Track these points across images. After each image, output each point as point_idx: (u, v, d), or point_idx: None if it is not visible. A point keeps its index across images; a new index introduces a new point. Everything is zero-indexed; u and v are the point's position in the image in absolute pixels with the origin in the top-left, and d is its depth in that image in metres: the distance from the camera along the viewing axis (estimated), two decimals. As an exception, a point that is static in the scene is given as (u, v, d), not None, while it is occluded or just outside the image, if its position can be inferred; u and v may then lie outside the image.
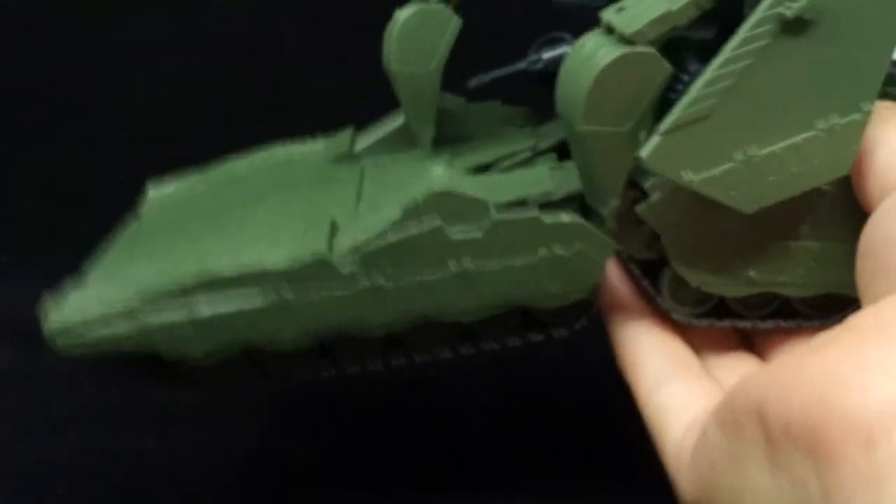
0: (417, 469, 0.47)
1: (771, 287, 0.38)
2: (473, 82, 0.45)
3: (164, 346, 0.37)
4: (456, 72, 0.43)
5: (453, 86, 0.44)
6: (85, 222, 0.65)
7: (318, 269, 0.37)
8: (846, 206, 0.36)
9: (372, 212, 0.39)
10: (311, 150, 0.46)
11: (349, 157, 0.45)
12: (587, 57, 0.35)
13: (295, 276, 0.36)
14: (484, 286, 0.37)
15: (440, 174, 0.40)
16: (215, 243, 0.39)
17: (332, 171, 0.44)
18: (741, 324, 0.39)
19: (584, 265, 0.37)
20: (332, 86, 0.63)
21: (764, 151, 0.34)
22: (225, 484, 0.47)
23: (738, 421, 0.30)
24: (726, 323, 0.39)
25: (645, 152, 0.34)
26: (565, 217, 0.37)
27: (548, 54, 0.43)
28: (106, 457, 0.48)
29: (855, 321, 0.29)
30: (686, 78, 0.35)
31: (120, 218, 0.45)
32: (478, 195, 0.37)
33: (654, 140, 0.34)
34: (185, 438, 0.50)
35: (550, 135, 0.43)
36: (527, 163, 0.42)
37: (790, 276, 0.38)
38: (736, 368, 0.40)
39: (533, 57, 0.43)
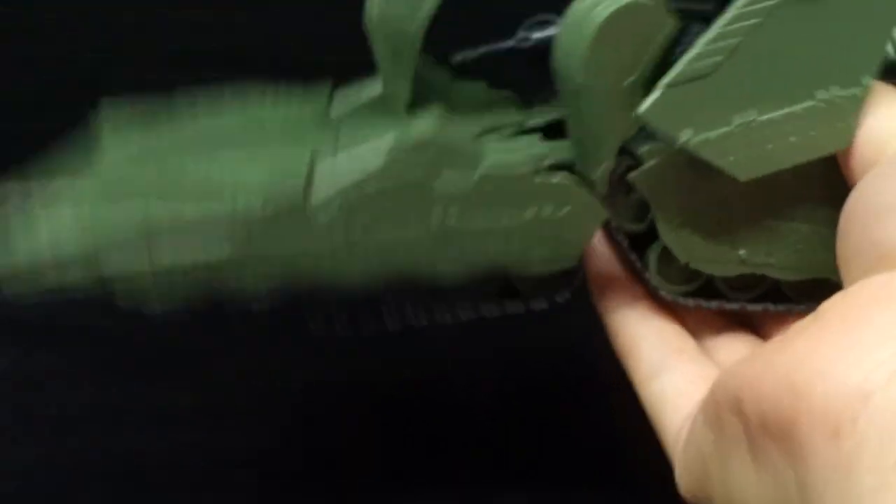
0: (418, 469, 0.48)
1: (760, 268, 0.38)
2: (459, 57, 0.43)
3: (121, 293, 0.35)
4: (442, 48, 0.41)
5: (440, 60, 0.41)
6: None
7: (291, 218, 0.34)
8: (837, 188, 0.35)
9: (351, 157, 0.35)
10: (285, 104, 0.42)
11: (324, 119, 0.41)
12: (590, 7, 0.34)
13: (266, 223, 0.34)
14: (466, 245, 0.35)
15: (426, 121, 0.36)
16: (180, 160, 0.36)
17: (306, 128, 0.40)
18: (728, 305, 0.39)
19: (573, 230, 0.36)
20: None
21: (763, 118, 0.34)
22: (225, 484, 0.47)
23: (720, 415, 0.30)
24: (714, 304, 0.39)
25: (644, 106, 0.33)
26: (557, 177, 0.35)
27: (537, 34, 0.42)
28: (106, 457, 0.48)
29: (823, 308, 0.29)
30: (689, 38, 0.34)
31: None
32: (468, 146, 0.35)
33: (655, 94, 0.33)
34: (185, 438, 0.50)
35: (537, 116, 0.41)
36: (512, 137, 0.40)
37: (779, 258, 0.38)
38: (736, 349, 0.39)
39: (522, 35, 0.42)
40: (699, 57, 0.33)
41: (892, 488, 0.23)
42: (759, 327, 0.41)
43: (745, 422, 0.28)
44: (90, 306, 0.61)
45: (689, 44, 0.33)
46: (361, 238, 0.34)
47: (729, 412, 0.29)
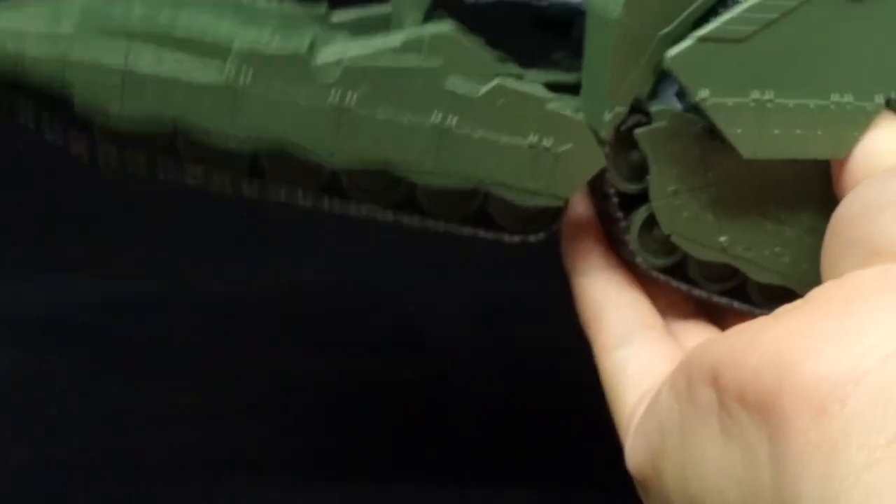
0: (418, 468, 0.48)
1: (735, 261, 0.38)
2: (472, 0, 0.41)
3: (80, 88, 0.32)
4: None
5: (447, 4, 0.40)
6: (86, 223, 0.65)
7: (290, 66, 0.32)
8: (828, 203, 0.35)
9: (356, 42, 0.34)
10: (277, 4, 0.40)
11: (323, 20, 0.39)
12: None
13: (262, 61, 0.32)
14: (458, 152, 0.34)
15: (446, 23, 0.35)
16: (167, 9, 0.33)
17: (302, 19, 0.38)
18: (697, 291, 0.39)
19: (569, 169, 0.35)
20: None
21: (778, 101, 0.34)
22: (225, 484, 0.47)
23: (692, 385, 0.29)
24: (683, 286, 0.38)
25: (673, 52, 0.33)
26: (569, 110, 0.35)
27: None
28: (106, 457, 0.48)
29: (816, 293, 0.29)
30: (730, 4, 0.34)
31: (122, 220, 0.45)
32: (485, 56, 0.34)
33: (687, 42, 0.33)
34: (185, 438, 0.50)
35: (537, 75, 0.39)
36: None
37: (756, 255, 0.38)
38: (700, 335, 0.39)
39: None
40: (736, 20, 0.33)
41: (882, 464, 0.23)
42: (721, 322, 0.40)
43: (719, 392, 0.28)
44: (90, 306, 0.61)
45: (733, 5, 0.33)
46: (356, 109, 0.33)
47: (702, 383, 0.29)
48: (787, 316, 0.28)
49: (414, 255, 0.62)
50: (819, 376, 0.25)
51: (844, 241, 0.31)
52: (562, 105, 0.35)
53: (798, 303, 0.28)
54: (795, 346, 0.26)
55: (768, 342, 0.27)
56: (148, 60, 0.32)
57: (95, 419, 0.51)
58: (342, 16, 0.40)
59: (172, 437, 0.50)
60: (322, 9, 0.40)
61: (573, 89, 0.38)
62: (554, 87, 0.38)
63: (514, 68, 0.40)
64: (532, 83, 0.36)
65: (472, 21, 0.41)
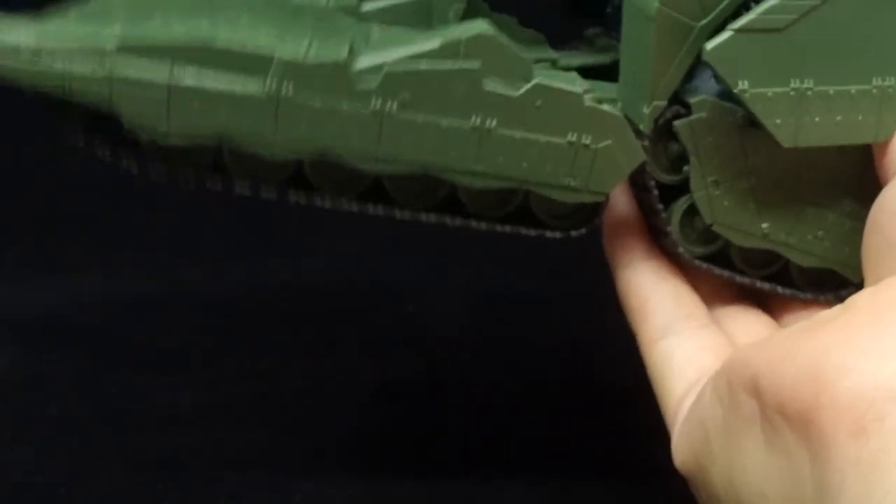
0: (419, 467, 0.47)
1: (777, 246, 0.38)
2: None
3: (126, 106, 0.32)
4: None
5: None
6: (87, 223, 0.65)
7: (331, 74, 0.33)
8: (869, 185, 0.36)
9: (394, 45, 0.34)
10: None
11: (355, 12, 0.39)
12: None
13: (304, 72, 0.32)
14: (499, 152, 0.34)
15: (483, 22, 0.35)
16: (209, 22, 0.33)
17: (335, 15, 0.38)
18: (740, 278, 0.39)
19: (608, 165, 0.35)
20: None
21: (818, 88, 0.34)
22: (225, 484, 0.47)
23: (734, 392, 0.29)
24: (726, 273, 0.39)
25: (711, 45, 0.33)
26: (606, 106, 0.35)
27: None
28: (106, 457, 0.48)
29: (853, 302, 0.28)
30: None
31: (122, 220, 0.44)
32: (523, 55, 0.34)
33: (725, 34, 0.33)
34: (184, 438, 0.50)
35: (571, 57, 0.40)
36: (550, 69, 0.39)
37: (798, 240, 0.38)
38: (746, 322, 0.39)
39: None
40: (774, 10, 0.33)
41: None
42: (767, 305, 0.40)
43: (761, 404, 0.28)
44: (90, 306, 0.61)
45: None
46: (397, 114, 0.33)
47: (744, 392, 0.29)
48: (824, 328, 0.28)
49: (414, 255, 0.62)
50: (856, 394, 0.25)
51: (880, 243, 0.31)
52: (599, 100, 0.35)
53: (835, 311, 0.28)
54: (831, 361, 0.26)
55: (805, 356, 0.27)
56: (192, 75, 0.32)
57: (95, 419, 0.51)
58: (374, 4, 0.39)
59: (172, 437, 0.50)
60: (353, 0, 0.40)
61: (608, 70, 0.38)
62: (589, 70, 0.38)
63: (547, 51, 0.40)
64: (569, 77, 0.36)
65: (504, 2, 0.41)
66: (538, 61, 0.38)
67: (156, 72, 0.32)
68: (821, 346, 0.27)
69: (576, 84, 0.35)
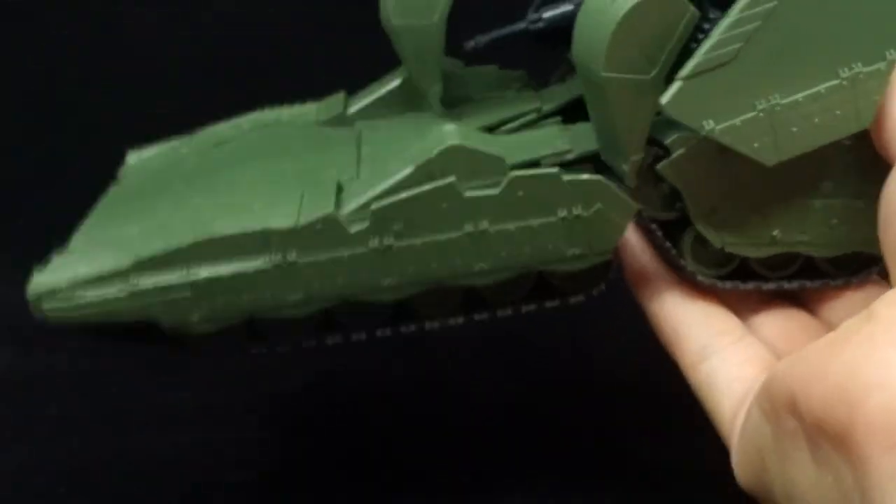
0: (419, 466, 0.47)
1: (794, 247, 0.38)
2: (471, 44, 0.42)
3: (158, 312, 0.35)
4: (452, 35, 0.41)
5: (448, 49, 0.42)
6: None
7: (325, 229, 0.35)
8: (867, 161, 0.35)
9: (376, 173, 0.37)
10: (301, 112, 0.44)
11: (343, 119, 0.42)
12: (609, 0, 0.34)
13: (301, 235, 0.35)
14: (499, 247, 0.36)
15: (450, 130, 0.37)
16: (207, 202, 0.37)
17: (326, 135, 0.42)
18: (766, 286, 0.39)
19: (605, 226, 0.36)
20: (322, 52, 0.63)
21: (787, 100, 0.34)
22: (225, 484, 0.47)
23: (776, 410, 0.30)
24: (751, 285, 0.39)
25: (665, 98, 0.33)
26: (585, 175, 0.36)
27: (549, 13, 0.41)
28: (106, 457, 0.48)
29: (878, 309, 0.28)
30: (707, 26, 0.34)
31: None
32: (493, 152, 0.35)
33: (675, 85, 0.33)
34: (185, 438, 0.50)
35: (554, 97, 0.41)
36: (533, 125, 0.40)
37: (813, 235, 0.38)
38: (781, 324, 0.39)
39: (533, 16, 0.41)
40: (718, 45, 0.33)
41: None
42: (802, 299, 0.40)
43: (801, 421, 0.28)
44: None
45: (710, 29, 0.33)
46: (395, 243, 0.35)
47: (784, 408, 0.29)
48: (850, 341, 0.28)
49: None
50: (886, 410, 0.26)
51: None
52: (578, 171, 0.36)
53: (860, 320, 0.28)
54: (860, 378, 0.26)
55: (834, 373, 0.27)
56: (205, 270, 0.35)
57: (95, 419, 0.51)
58: (360, 103, 0.42)
59: (172, 437, 0.50)
60: (341, 101, 0.43)
61: None
62: (576, 104, 0.39)
63: (531, 97, 0.41)
64: (549, 139, 0.37)
65: (477, 57, 0.42)
66: (522, 115, 0.40)
67: (173, 275, 0.35)
68: (849, 363, 0.27)
69: (557, 151, 0.36)
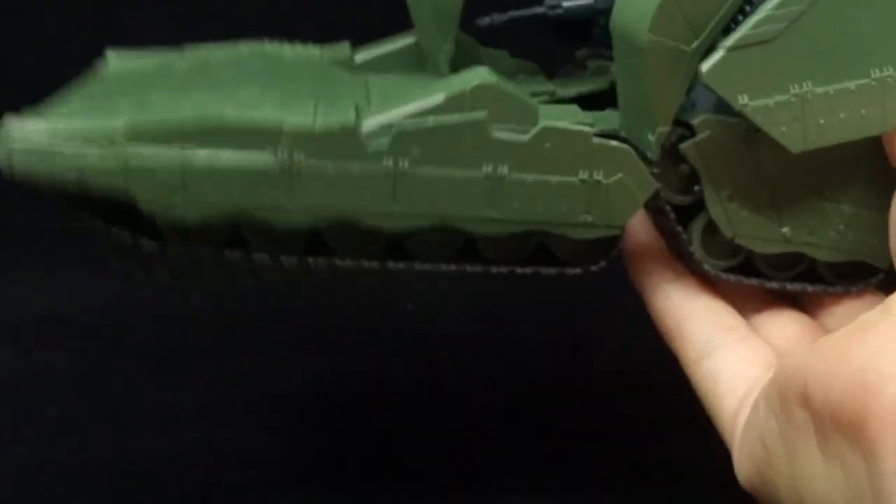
0: (419, 466, 0.47)
1: (802, 247, 0.38)
2: (487, 20, 0.42)
3: (142, 192, 0.32)
4: (466, 12, 0.40)
5: (462, 25, 0.41)
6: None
7: (341, 138, 0.33)
8: (881, 171, 0.36)
9: (395, 105, 0.35)
10: (304, 50, 0.41)
11: (349, 64, 0.41)
12: None
13: (314, 139, 0.33)
14: (512, 197, 0.35)
15: (484, 70, 0.35)
16: (210, 97, 0.35)
17: (332, 71, 0.40)
18: (769, 284, 0.39)
19: (622, 197, 0.36)
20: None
21: (818, 90, 0.34)
22: (225, 484, 0.47)
23: (786, 403, 0.30)
24: (754, 281, 0.39)
25: (706, 66, 0.33)
26: (614, 142, 0.35)
27: (568, 3, 0.41)
28: (106, 457, 0.48)
29: (893, 304, 0.29)
30: (749, 8, 0.34)
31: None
32: (527, 99, 0.35)
33: (717, 54, 0.33)
34: (185, 438, 0.50)
35: (567, 87, 0.41)
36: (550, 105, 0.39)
37: (821, 238, 0.38)
38: (783, 325, 0.39)
39: (552, 2, 0.41)
40: (763, 22, 0.33)
41: None
42: (801, 302, 0.40)
43: (812, 414, 0.28)
44: (91, 306, 0.61)
45: (755, 8, 0.34)
46: (409, 170, 0.34)
47: (795, 403, 0.29)
48: (867, 333, 0.28)
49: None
50: None
51: None
52: (605, 133, 0.35)
53: (876, 314, 0.29)
54: (876, 369, 0.26)
55: (851, 364, 0.27)
56: (203, 155, 0.32)
57: (95, 419, 0.51)
58: (366, 54, 0.41)
59: (172, 437, 0.50)
60: (346, 50, 0.41)
61: (605, 94, 0.39)
62: (587, 97, 0.39)
63: (544, 82, 0.41)
64: (572, 112, 0.36)
65: (492, 38, 0.41)
66: (536, 95, 0.39)
67: (168, 155, 0.32)
68: (865, 354, 0.27)
69: (581, 121, 0.36)
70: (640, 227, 0.40)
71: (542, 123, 0.34)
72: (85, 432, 0.50)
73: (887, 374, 0.26)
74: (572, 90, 0.40)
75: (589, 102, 0.38)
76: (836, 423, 0.27)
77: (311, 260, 0.36)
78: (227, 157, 0.33)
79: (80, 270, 0.61)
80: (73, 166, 0.32)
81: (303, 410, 0.52)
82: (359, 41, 0.42)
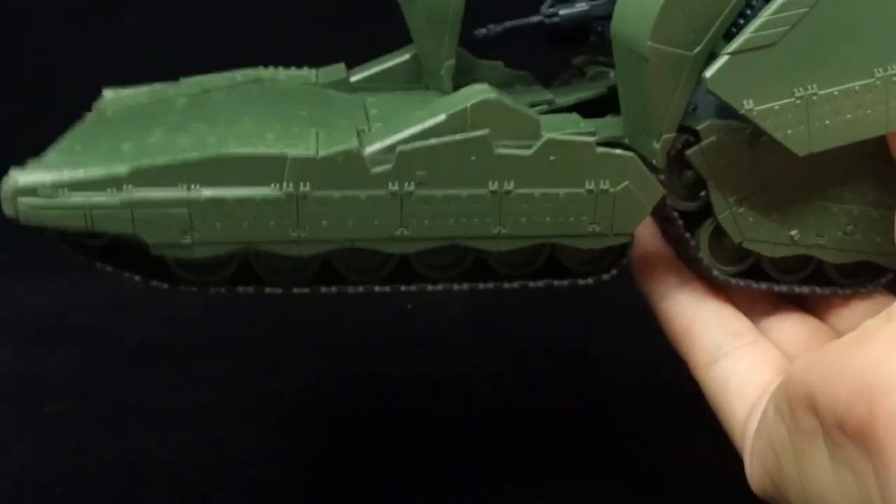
0: (419, 466, 0.47)
1: (809, 250, 0.38)
2: (483, 32, 0.42)
3: (151, 235, 0.32)
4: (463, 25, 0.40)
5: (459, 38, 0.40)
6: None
7: (345, 164, 0.33)
8: (887, 171, 0.36)
9: (394, 126, 0.34)
10: (299, 74, 0.41)
11: (344, 85, 0.40)
12: None
13: (318, 167, 0.33)
14: (520, 212, 0.35)
15: (483, 86, 0.35)
16: (210, 130, 0.34)
17: (329, 94, 0.39)
18: (778, 287, 0.39)
19: (629, 205, 0.35)
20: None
21: (823, 92, 0.34)
22: (225, 484, 0.47)
23: (794, 410, 0.30)
24: (763, 285, 0.39)
25: (710, 72, 0.33)
26: (618, 150, 0.35)
27: (565, 11, 0.41)
28: (106, 457, 0.48)
29: None
30: (749, 12, 0.34)
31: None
32: (529, 112, 0.34)
33: (721, 60, 0.33)
34: (185, 438, 0.50)
35: (567, 94, 0.41)
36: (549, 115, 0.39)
37: (828, 239, 0.38)
38: (792, 327, 0.39)
39: (548, 10, 0.41)
40: (765, 26, 0.33)
41: None
42: (809, 304, 0.41)
43: (820, 420, 0.28)
44: (91, 306, 0.61)
45: (759, 9, 0.33)
46: (416, 191, 0.34)
47: (803, 409, 0.29)
48: (872, 339, 0.28)
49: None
50: None
51: None
52: (610, 146, 0.35)
53: (881, 320, 0.29)
54: (882, 374, 0.27)
55: (856, 370, 0.27)
56: (209, 188, 0.32)
57: (95, 419, 0.51)
58: (361, 73, 0.41)
59: (172, 437, 0.50)
60: (341, 71, 0.41)
61: (605, 101, 0.39)
62: (586, 104, 0.38)
63: (541, 91, 0.41)
64: (573, 121, 0.36)
65: (486, 49, 0.41)
66: (535, 105, 0.39)
67: (173, 190, 0.32)
68: (870, 360, 0.27)
69: (583, 130, 0.35)
70: (646, 234, 0.40)
71: (546, 136, 0.34)
72: (85, 432, 0.50)
73: (892, 379, 0.26)
74: (572, 98, 0.40)
75: (589, 108, 0.38)
76: (843, 430, 0.27)
77: (322, 288, 0.36)
78: (233, 193, 0.32)
79: (79, 270, 0.61)
80: (81, 215, 0.32)
81: (303, 410, 0.52)
82: (351, 62, 0.42)
